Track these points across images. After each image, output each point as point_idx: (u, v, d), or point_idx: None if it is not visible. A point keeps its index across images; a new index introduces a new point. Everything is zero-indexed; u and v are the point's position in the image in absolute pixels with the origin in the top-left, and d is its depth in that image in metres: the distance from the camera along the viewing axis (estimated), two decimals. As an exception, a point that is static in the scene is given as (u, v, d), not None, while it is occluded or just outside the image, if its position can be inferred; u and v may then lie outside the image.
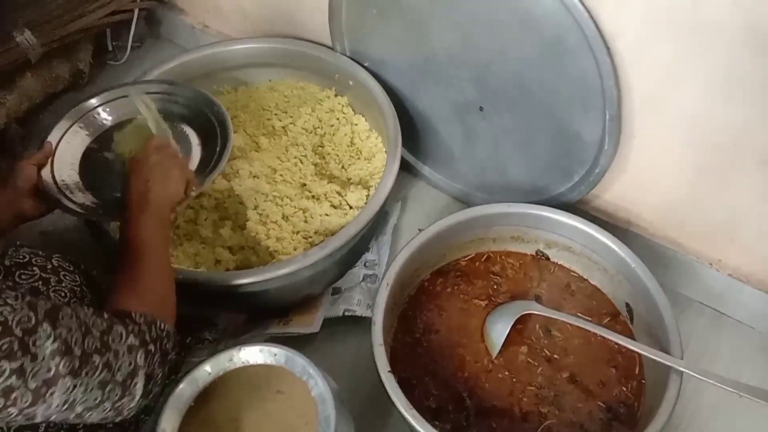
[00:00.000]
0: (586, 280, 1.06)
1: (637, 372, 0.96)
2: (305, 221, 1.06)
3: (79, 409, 0.63)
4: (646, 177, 1.00)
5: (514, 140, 1.08)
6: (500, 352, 0.97)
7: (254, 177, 1.10)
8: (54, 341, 0.59)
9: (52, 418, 0.62)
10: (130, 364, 0.67)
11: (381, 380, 0.86)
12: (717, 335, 1.09)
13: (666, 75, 0.86)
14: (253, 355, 0.84)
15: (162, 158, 0.86)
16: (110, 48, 1.52)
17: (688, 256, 1.06)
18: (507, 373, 0.97)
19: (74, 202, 0.93)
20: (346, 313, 1.08)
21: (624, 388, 0.95)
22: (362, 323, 1.06)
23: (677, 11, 0.79)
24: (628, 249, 0.97)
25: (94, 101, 1.02)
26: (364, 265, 1.16)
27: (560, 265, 1.08)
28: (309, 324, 1.04)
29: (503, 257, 1.09)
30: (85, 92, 1.37)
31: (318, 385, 0.81)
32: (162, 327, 0.73)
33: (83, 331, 0.62)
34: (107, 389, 0.64)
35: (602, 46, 0.85)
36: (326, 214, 1.07)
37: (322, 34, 1.20)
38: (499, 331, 0.98)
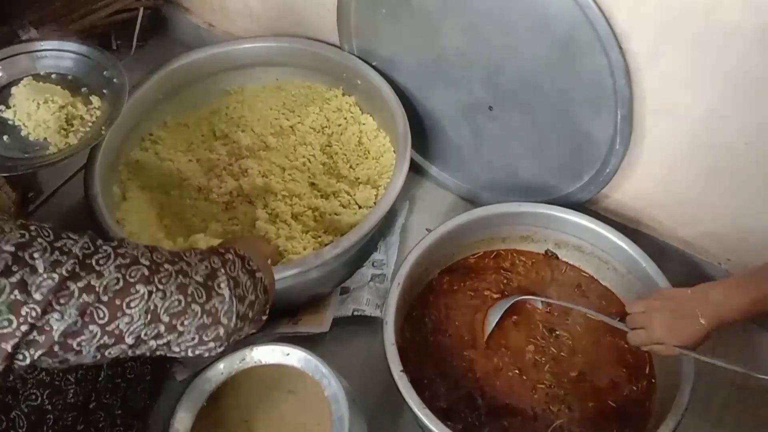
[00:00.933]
0: (597, 279, 1.06)
1: (647, 371, 0.96)
2: (315, 220, 1.06)
3: (165, 318, 0.60)
4: (657, 177, 1.00)
5: (523, 140, 1.08)
6: (508, 351, 0.97)
7: (263, 176, 1.09)
8: (115, 258, 0.58)
9: (147, 340, 0.60)
10: (206, 267, 0.65)
11: (393, 380, 0.86)
12: (725, 333, 1.08)
13: (678, 76, 0.86)
14: (265, 354, 0.84)
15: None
16: (114, 47, 1.51)
17: (698, 255, 1.06)
18: (517, 371, 0.97)
19: None
20: (355, 313, 1.08)
21: (635, 387, 0.95)
22: (371, 323, 1.06)
23: (690, 12, 0.79)
24: (638, 248, 0.97)
25: None
26: (372, 264, 1.16)
27: (570, 264, 1.08)
28: (319, 323, 1.03)
29: (513, 255, 1.09)
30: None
31: (331, 384, 0.81)
32: (244, 255, 0.70)
33: (150, 248, 0.62)
34: (189, 291, 0.62)
35: (615, 46, 0.85)
36: (336, 213, 1.06)
37: (330, 34, 1.20)
38: (493, 319, 0.99)
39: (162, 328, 0.60)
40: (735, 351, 1.02)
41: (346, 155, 1.17)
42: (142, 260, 0.59)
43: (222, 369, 0.83)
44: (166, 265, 0.61)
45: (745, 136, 0.86)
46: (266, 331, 1.05)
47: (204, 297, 0.63)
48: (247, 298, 0.68)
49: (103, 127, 1.00)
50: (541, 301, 1.02)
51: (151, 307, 0.59)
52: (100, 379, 0.83)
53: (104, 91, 1.04)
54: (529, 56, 0.95)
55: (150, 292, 0.59)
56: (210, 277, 0.64)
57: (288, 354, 0.84)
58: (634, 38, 0.85)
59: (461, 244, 1.06)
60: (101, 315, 0.56)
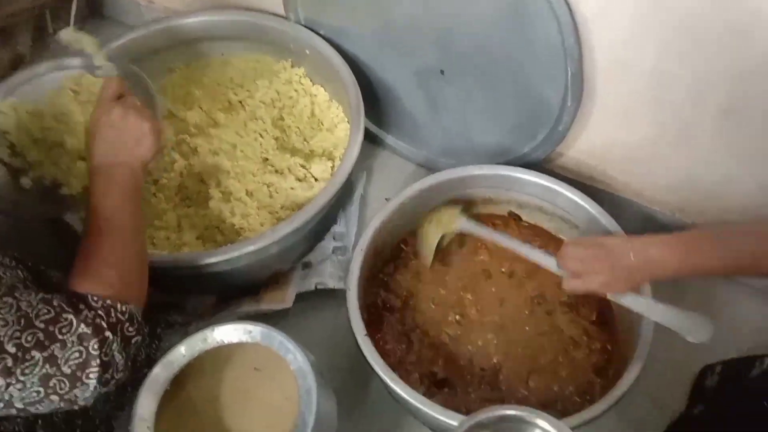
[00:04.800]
0: (560, 239, 1.07)
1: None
2: (270, 196, 1.04)
3: (19, 405, 0.59)
4: (610, 133, 1.01)
5: (477, 103, 1.08)
6: (473, 308, 0.99)
7: (214, 154, 1.06)
8: None
9: None
10: (80, 354, 0.62)
11: (358, 345, 0.85)
12: (683, 282, 1.11)
13: (626, 33, 0.86)
14: (227, 333, 0.82)
15: (126, 110, 0.75)
16: (50, 30, 1.44)
17: (652, 207, 1.08)
18: (481, 330, 0.98)
19: None
20: (318, 287, 1.07)
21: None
22: (335, 296, 1.05)
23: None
24: (598, 206, 0.98)
25: None
26: (333, 237, 1.15)
27: (533, 225, 1.08)
28: (281, 300, 1.02)
29: (477, 218, 1.09)
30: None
31: (297, 359, 0.80)
32: (123, 310, 0.67)
33: (22, 324, 0.58)
34: (50, 383, 0.60)
35: (564, 5, 0.84)
36: (291, 188, 1.05)
37: (275, 4, 1.16)
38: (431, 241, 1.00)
39: (13, 411, 0.60)
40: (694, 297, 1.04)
41: (299, 128, 1.14)
42: (8, 347, 0.57)
43: (183, 352, 0.80)
44: (34, 352, 0.58)
45: (691, 89, 0.87)
46: (228, 312, 1.04)
47: (67, 387, 0.62)
48: (113, 365, 0.66)
49: None
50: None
51: (6, 398, 0.58)
52: None
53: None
54: (478, 18, 0.94)
55: (8, 384, 0.57)
56: (81, 367, 0.62)
57: (251, 332, 0.82)
58: (581, -5, 0.85)
59: (424, 210, 1.06)
60: None
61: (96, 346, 0.63)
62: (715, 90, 0.84)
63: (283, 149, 1.10)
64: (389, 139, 1.27)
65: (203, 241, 1.02)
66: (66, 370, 0.61)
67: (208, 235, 1.03)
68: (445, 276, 1.04)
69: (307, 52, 1.15)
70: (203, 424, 0.80)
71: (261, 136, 1.11)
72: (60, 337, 0.61)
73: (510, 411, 0.69)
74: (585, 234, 1.01)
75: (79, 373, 0.62)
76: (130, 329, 0.68)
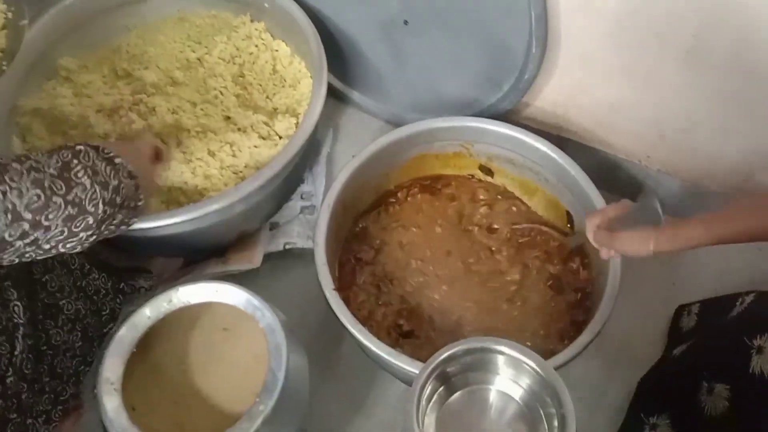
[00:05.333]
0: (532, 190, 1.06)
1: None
2: (233, 155, 1.01)
3: (27, 215, 0.59)
4: (575, 80, 1.00)
5: (442, 54, 1.05)
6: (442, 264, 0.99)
7: (173, 113, 1.03)
8: None
9: (12, 242, 0.59)
10: (57, 161, 0.64)
11: (326, 299, 0.84)
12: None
13: (589, -30, 0.84)
14: (192, 294, 0.81)
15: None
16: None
17: (619, 155, 1.08)
18: (453, 282, 0.98)
19: None
20: (287, 246, 1.05)
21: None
22: (304, 256, 1.04)
23: None
24: (567, 156, 0.97)
25: None
26: (301, 197, 1.13)
27: (504, 176, 1.08)
28: (249, 260, 1.01)
29: (448, 176, 1.10)
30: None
31: (265, 316, 0.79)
32: (104, 151, 0.70)
33: None
34: (45, 185, 0.61)
35: (524, -57, 0.82)
36: (255, 146, 1.02)
37: (230, -44, 1.12)
38: None
39: (26, 226, 0.59)
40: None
41: (261, 85, 1.11)
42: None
43: (148, 313, 0.79)
44: (14, 164, 0.59)
45: (655, 29, 0.86)
46: (195, 274, 1.02)
47: (63, 188, 0.62)
48: (110, 184, 0.67)
49: (4, 63, 0.89)
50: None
51: (9, 207, 0.57)
52: (16, 352, 0.76)
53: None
54: (439, -38, 0.92)
55: (3, 192, 0.57)
56: (64, 169, 0.64)
57: (217, 291, 0.80)
58: (542, -67, 0.82)
59: (393, 164, 1.04)
60: None
61: (68, 153, 0.66)
62: (680, 28, 0.83)
63: (245, 107, 1.07)
64: (355, 96, 1.24)
65: (167, 205, 0.99)
66: (52, 171, 0.63)
67: (171, 197, 1.00)
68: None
69: (266, 5, 1.11)
70: (172, 386, 0.79)
71: (221, 93, 1.08)
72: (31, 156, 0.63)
73: (474, 344, 0.70)
74: (555, 186, 1.01)
75: (66, 174, 0.64)
76: (106, 152, 0.71)
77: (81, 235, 0.65)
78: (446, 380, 0.71)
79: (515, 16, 0.91)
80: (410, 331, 0.93)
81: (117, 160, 0.71)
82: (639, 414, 0.89)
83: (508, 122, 1.01)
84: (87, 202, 0.64)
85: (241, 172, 1.00)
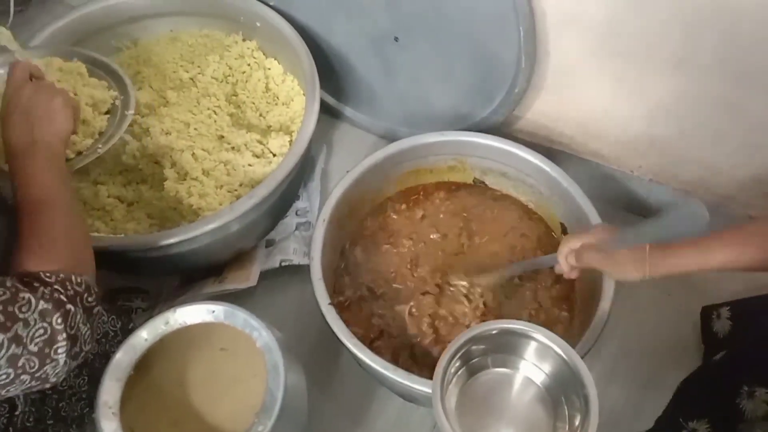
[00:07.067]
0: (525, 204, 1.07)
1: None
2: (228, 174, 1.02)
3: None
4: (565, 92, 1.01)
5: (432, 69, 1.06)
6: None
7: (166, 134, 1.03)
8: None
9: None
10: (45, 330, 0.61)
11: (322, 314, 0.85)
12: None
13: (576, -16, 0.85)
14: (189, 315, 0.81)
15: (36, 89, 0.76)
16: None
17: (610, 166, 1.08)
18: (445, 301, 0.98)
19: None
20: (283, 264, 1.05)
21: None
22: (301, 272, 1.04)
23: None
24: (558, 168, 0.98)
25: None
26: (296, 213, 1.14)
27: (497, 190, 1.09)
28: (246, 279, 1.01)
29: (442, 186, 1.10)
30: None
31: (262, 335, 0.79)
32: (79, 281, 0.66)
33: None
34: (19, 363, 0.59)
35: (511, -40, 0.83)
36: (249, 165, 1.02)
37: (221, -24, 1.13)
38: None
39: None
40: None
41: (254, 103, 1.12)
42: None
43: (146, 336, 0.79)
44: None
45: (644, 39, 0.87)
46: (192, 294, 1.02)
47: (36, 366, 0.60)
48: (80, 338, 0.65)
49: (99, 145, 0.89)
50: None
51: None
52: (16, 412, 0.76)
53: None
54: (428, -21, 0.93)
55: None
56: (48, 343, 0.61)
57: (213, 311, 0.80)
58: (529, -50, 0.83)
59: (387, 179, 1.05)
60: None
61: (60, 320, 0.62)
62: (669, 39, 0.84)
63: (238, 125, 1.08)
64: (348, 111, 1.25)
65: (163, 224, 1.00)
66: (33, 348, 0.60)
67: (167, 217, 1.00)
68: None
69: (258, 24, 1.12)
70: (170, 407, 0.79)
71: (215, 113, 1.08)
72: (21, 316, 0.59)
73: (509, 325, 0.71)
74: (549, 198, 1.01)
75: (47, 350, 0.61)
76: (90, 299, 0.67)
77: (43, 385, 0.63)
78: (468, 360, 0.72)
79: (504, 32, 0.92)
80: (408, 344, 0.94)
81: (95, 310, 0.68)
82: (678, 419, 0.89)
83: (500, 135, 1.02)
84: (52, 375, 0.63)
85: (236, 190, 1.01)
